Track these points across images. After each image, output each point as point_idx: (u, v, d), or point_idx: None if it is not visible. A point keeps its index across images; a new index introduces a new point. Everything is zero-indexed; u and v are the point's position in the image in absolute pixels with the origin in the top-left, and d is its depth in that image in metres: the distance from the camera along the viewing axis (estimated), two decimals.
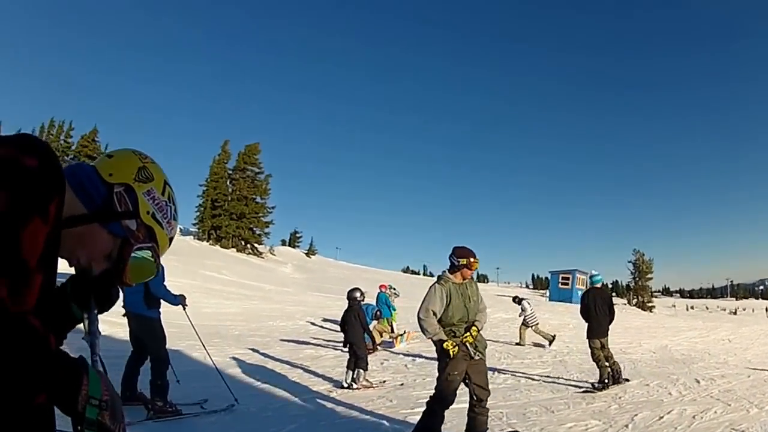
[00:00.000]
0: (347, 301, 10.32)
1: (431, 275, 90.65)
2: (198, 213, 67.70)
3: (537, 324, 16.05)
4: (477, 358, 5.62)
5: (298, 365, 11.39)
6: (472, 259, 5.70)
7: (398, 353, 13.66)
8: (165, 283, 7.25)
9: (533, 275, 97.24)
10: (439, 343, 5.54)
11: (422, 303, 5.69)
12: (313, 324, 21.18)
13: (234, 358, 11.73)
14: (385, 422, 6.84)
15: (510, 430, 6.49)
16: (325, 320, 21.71)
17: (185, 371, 8.09)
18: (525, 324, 15.98)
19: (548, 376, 10.44)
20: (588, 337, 9.59)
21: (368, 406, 7.75)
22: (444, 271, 5.86)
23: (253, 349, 13.41)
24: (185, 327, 8.58)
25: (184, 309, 7.61)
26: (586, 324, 9.72)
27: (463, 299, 5.66)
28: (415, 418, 6.82)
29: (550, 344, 15.10)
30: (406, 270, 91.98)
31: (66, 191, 1.26)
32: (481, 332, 5.77)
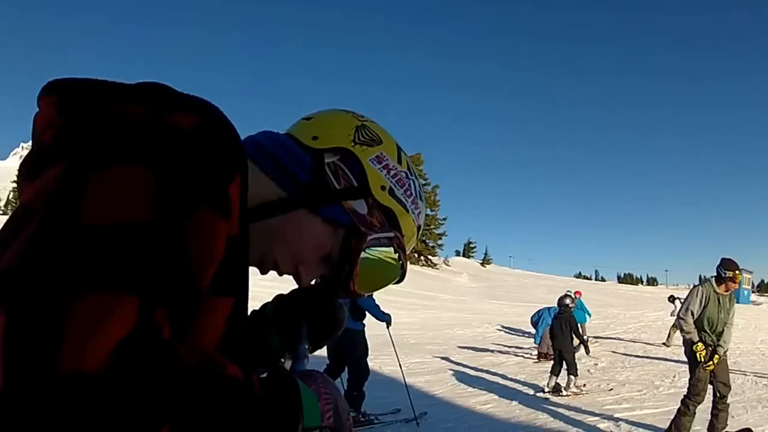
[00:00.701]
0: (558, 308, 10.11)
1: (603, 280, 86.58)
2: None
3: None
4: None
5: (480, 371, 11.08)
6: (737, 272, 5.87)
7: (580, 358, 12.84)
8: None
9: (700, 276, 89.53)
10: (690, 344, 5.84)
11: (683, 303, 6.13)
12: (492, 331, 20.67)
13: (413, 367, 11.63)
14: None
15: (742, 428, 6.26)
16: (503, 327, 21.08)
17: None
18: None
19: None
20: None
21: (551, 414, 7.31)
22: (710, 279, 6.04)
23: (432, 357, 13.28)
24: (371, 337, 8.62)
25: (388, 327, 7.59)
26: None
27: (717, 309, 5.83)
28: (602, 426, 6.35)
29: None
30: (579, 275, 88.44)
31: (249, 168, 0.85)
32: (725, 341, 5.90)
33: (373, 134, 0.99)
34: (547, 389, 8.87)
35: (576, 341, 9.92)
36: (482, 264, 74.71)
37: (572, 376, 8.87)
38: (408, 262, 1.02)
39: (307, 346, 1.05)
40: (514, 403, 8.09)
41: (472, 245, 79.85)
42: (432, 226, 68.23)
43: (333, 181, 0.94)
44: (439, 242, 68.19)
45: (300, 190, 0.93)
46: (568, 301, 9.96)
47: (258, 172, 0.92)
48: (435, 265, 66.17)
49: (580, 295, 17.16)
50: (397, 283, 1.04)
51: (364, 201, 0.94)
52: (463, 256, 77.37)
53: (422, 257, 66.65)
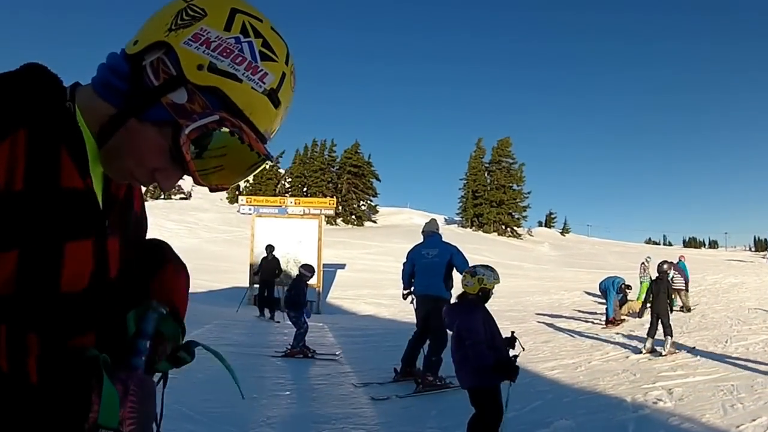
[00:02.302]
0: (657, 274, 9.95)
1: (670, 244, 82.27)
2: (460, 204, 69.95)
3: None
4: None
5: (552, 337, 11.01)
6: None
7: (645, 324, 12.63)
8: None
9: (755, 237, 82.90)
10: None
11: None
12: (567, 297, 20.39)
13: None
14: (627, 399, 6.24)
15: None
16: (579, 293, 20.73)
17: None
18: None
19: None
20: None
21: (612, 379, 7.20)
22: None
23: (510, 324, 13.49)
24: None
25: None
26: None
27: None
28: (654, 394, 6.30)
29: None
30: (648, 241, 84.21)
31: (92, 97, 0.90)
32: None
33: (197, 11, 0.87)
34: (644, 351, 8.82)
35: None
36: (561, 233, 72.89)
37: (669, 337, 8.72)
38: (269, 137, 0.93)
39: (148, 342, 0.95)
40: (580, 369, 8.02)
41: (552, 216, 78.25)
42: (517, 200, 67.68)
43: (153, 80, 0.86)
44: (524, 214, 67.74)
45: (123, 101, 0.88)
46: (665, 267, 9.93)
47: (96, 98, 0.90)
48: (519, 235, 65.38)
49: (684, 259, 17.27)
50: (260, 165, 0.94)
51: (184, 89, 0.85)
52: (545, 226, 75.79)
53: (508, 228, 66.24)
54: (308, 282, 9.70)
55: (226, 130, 0.85)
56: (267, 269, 15.58)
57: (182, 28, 0.86)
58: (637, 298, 14.25)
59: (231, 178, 0.94)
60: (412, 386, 6.89)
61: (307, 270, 9.65)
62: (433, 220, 8.52)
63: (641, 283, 16.15)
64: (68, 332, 0.86)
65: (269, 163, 0.99)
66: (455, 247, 7.50)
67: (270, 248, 16.07)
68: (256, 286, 16.56)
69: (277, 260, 15.98)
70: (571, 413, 5.68)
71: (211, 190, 0.95)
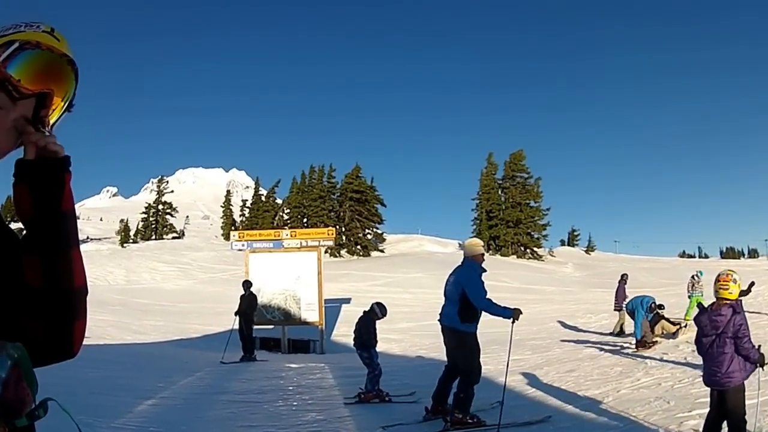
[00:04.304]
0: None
1: (706, 257, 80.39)
2: (474, 226, 68.81)
3: None
4: None
5: (577, 367, 10.53)
6: None
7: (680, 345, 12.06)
8: (488, 294, 6.70)
9: None
10: None
11: None
12: (594, 321, 19.76)
13: (511, 364, 11.41)
14: (660, 430, 5.84)
15: None
16: (607, 315, 19.94)
17: None
18: None
19: None
20: None
21: (644, 409, 6.69)
22: None
23: (532, 353, 13.00)
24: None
25: (513, 322, 6.72)
26: None
27: None
28: (690, 424, 5.91)
29: None
30: (683, 254, 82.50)
31: None
32: None
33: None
34: None
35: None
36: (586, 251, 71.67)
37: None
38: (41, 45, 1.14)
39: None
40: (608, 399, 7.50)
41: (576, 233, 77.00)
42: (536, 218, 66.58)
43: None
44: (544, 233, 66.31)
45: None
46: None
47: None
48: (540, 257, 64.31)
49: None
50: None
51: None
52: (568, 245, 74.64)
53: (528, 250, 65.19)
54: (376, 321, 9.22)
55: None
56: (243, 304, 15.32)
57: None
58: (686, 315, 13.85)
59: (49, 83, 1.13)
60: (440, 423, 6.65)
61: (379, 309, 9.27)
62: (469, 241, 7.86)
63: (690, 297, 16.07)
64: None
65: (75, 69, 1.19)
66: (474, 272, 6.88)
67: (247, 284, 15.88)
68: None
69: (254, 296, 15.80)
70: None
71: (44, 98, 1.13)
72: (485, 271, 7.05)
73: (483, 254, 7.27)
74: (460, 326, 6.77)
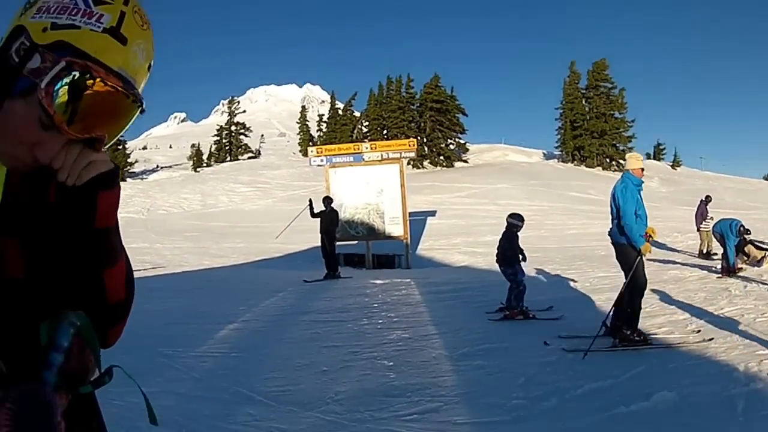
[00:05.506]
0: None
1: None
2: (559, 136, 67.34)
3: None
4: None
5: (661, 288, 10.36)
6: None
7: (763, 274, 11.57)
8: (635, 211, 6.78)
9: None
10: None
11: None
12: (680, 240, 19.46)
13: (596, 282, 11.50)
14: (739, 367, 5.66)
15: None
16: (694, 235, 19.35)
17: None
18: None
19: None
20: None
21: (725, 342, 6.61)
22: None
23: (617, 272, 12.95)
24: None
25: (640, 255, 6.79)
26: None
27: None
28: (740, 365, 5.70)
29: None
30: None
31: None
32: None
33: None
34: None
35: None
36: (672, 167, 68.76)
37: None
38: (127, 75, 1.02)
39: (62, 356, 0.93)
40: (690, 327, 7.49)
41: (661, 147, 73.75)
42: (621, 129, 64.39)
43: (15, 59, 0.96)
44: (629, 145, 63.98)
45: None
46: None
47: None
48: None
49: None
50: (132, 107, 1.05)
51: (37, 54, 0.95)
52: (654, 158, 71.61)
53: (613, 162, 63.30)
54: (518, 233, 9.10)
55: (77, 73, 0.96)
56: (325, 221, 15.18)
57: (29, 9, 1.00)
58: None
59: (108, 124, 1.06)
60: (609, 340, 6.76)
61: (516, 219, 9.12)
62: (629, 155, 7.71)
63: None
64: None
65: (141, 106, 1.06)
66: (627, 186, 6.92)
67: (328, 200, 15.74)
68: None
69: (335, 212, 15.71)
70: (676, 383, 5.29)
71: (93, 142, 0.97)
72: (641, 185, 7.08)
73: (642, 168, 7.21)
74: (618, 238, 6.96)
